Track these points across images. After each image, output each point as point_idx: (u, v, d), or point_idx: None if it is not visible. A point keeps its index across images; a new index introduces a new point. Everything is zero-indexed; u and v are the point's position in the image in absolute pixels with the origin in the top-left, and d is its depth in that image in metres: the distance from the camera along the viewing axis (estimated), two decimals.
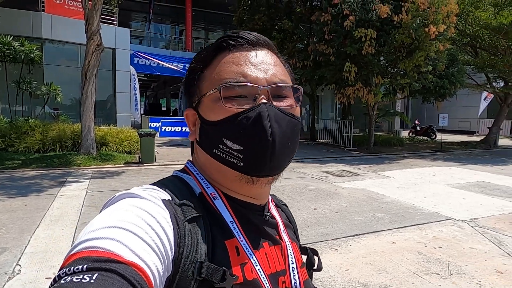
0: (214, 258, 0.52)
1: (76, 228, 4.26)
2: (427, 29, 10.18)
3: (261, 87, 0.56)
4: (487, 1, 12.28)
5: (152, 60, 17.89)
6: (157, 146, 10.63)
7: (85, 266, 0.38)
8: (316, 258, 0.73)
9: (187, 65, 18.96)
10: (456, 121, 24.46)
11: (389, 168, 9.43)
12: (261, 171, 0.56)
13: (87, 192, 6.06)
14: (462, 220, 4.97)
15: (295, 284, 0.61)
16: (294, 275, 0.62)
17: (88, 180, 6.99)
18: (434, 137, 17.49)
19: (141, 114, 18.80)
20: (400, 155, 12.54)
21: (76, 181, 6.92)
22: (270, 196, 0.68)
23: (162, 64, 18.21)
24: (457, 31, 12.79)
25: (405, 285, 3.08)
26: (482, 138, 17.08)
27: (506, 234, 4.44)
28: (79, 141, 9.47)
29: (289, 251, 0.63)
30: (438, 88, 13.15)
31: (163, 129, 16.35)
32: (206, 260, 0.50)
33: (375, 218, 4.97)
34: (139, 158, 9.25)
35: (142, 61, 17.57)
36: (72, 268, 0.39)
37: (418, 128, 18.62)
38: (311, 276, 0.72)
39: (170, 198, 0.54)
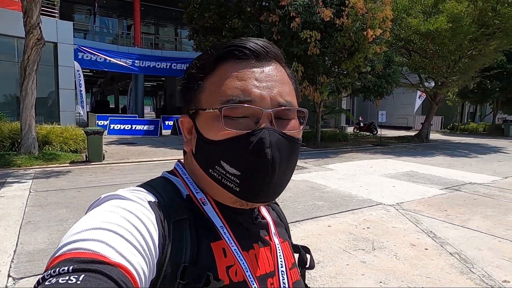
0: (199, 261, 0.51)
1: (20, 228, 4.19)
2: (365, 33, 11.05)
3: (266, 110, 0.53)
4: (417, 8, 13.59)
5: (98, 55, 17.21)
6: (105, 144, 10.38)
7: (71, 267, 0.38)
8: (308, 256, 0.72)
9: (136, 61, 18.58)
10: (396, 117, 26.58)
11: (333, 162, 10.15)
12: (257, 198, 0.55)
13: (30, 192, 5.86)
14: (389, 205, 5.64)
15: (284, 287, 0.61)
16: (283, 279, 0.61)
17: (31, 180, 6.72)
18: (375, 132, 18.89)
19: (87, 112, 17.99)
20: (344, 149, 13.45)
21: (17, 181, 6.62)
22: None
23: (109, 60, 17.60)
24: (393, 35, 13.97)
25: (335, 260, 3.53)
26: (416, 132, 18.81)
27: (423, 214, 5.15)
28: (19, 140, 8.96)
29: (278, 254, 0.63)
30: (377, 87, 14.29)
31: (111, 127, 15.84)
32: (191, 263, 0.50)
33: (315, 206, 5.46)
34: (86, 157, 9.00)
35: (87, 56, 16.84)
36: (57, 269, 0.38)
37: (361, 124, 19.99)
38: (304, 274, 0.71)
39: (157, 200, 0.53)
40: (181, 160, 0.65)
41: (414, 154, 12.19)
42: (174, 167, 0.64)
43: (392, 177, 7.96)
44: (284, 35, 11.55)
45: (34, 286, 0.38)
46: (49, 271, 0.38)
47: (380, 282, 3.11)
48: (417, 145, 15.67)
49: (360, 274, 3.26)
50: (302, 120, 0.60)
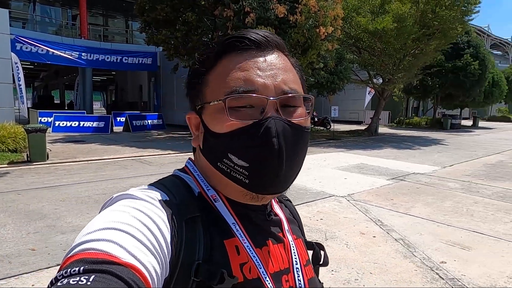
0: (213, 259, 0.51)
1: None
2: (318, 30, 11.37)
3: (270, 98, 0.53)
4: (366, 8, 14.23)
5: (39, 46, 15.94)
6: (49, 142, 9.69)
7: (82, 268, 0.39)
8: (322, 252, 0.72)
9: (83, 53, 17.51)
10: (348, 112, 27.73)
11: None
12: (267, 189, 0.55)
13: None
14: (341, 196, 5.88)
15: (300, 285, 0.60)
16: (298, 276, 0.61)
17: None
18: (329, 127, 19.57)
19: (28, 108, 16.62)
20: None
21: None
22: None
23: (53, 52, 16.39)
24: (344, 33, 14.52)
25: None
26: (366, 127, 19.80)
27: (372, 204, 5.45)
28: None
29: (292, 251, 0.62)
30: (330, 83, 14.81)
31: (56, 124, 14.81)
32: (205, 260, 0.50)
33: None
34: (27, 156, 8.32)
35: (26, 48, 15.52)
36: (69, 270, 0.39)
37: (316, 119, 20.59)
38: (317, 271, 0.71)
39: (168, 199, 0.53)
40: (192, 158, 0.65)
41: (364, 147, 12.82)
42: (185, 165, 0.64)
43: (344, 169, 8.31)
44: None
45: (48, 286, 0.39)
46: (61, 272, 0.39)
47: (332, 270, 3.24)
48: (367, 138, 16.50)
49: None
50: (308, 109, 0.59)
